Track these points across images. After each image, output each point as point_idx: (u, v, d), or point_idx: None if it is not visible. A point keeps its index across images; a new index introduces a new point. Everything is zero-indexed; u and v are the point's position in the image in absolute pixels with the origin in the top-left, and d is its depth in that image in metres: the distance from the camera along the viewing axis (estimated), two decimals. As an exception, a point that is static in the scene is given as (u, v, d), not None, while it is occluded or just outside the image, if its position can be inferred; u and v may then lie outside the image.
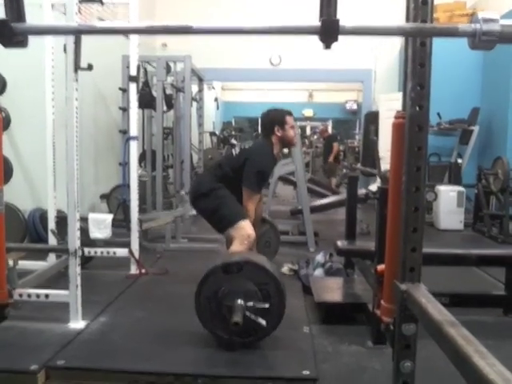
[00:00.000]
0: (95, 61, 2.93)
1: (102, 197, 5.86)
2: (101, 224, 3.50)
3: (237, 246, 2.82)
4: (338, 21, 1.04)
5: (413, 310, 1.29)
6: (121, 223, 4.25)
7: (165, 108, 5.52)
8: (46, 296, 2.53)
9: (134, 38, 3.56)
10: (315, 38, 1.07)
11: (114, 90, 5.77)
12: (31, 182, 4.48)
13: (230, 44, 7.63)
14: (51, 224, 3.39)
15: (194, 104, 6.24)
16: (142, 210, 3.91)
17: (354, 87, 13.13)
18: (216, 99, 10.81)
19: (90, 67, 2.77)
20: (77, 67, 2.48)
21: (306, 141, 14.26)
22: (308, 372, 2.04)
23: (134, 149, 3.56)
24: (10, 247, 2.65)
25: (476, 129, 6.54)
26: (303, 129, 16.02)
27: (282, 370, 2.10)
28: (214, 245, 4.23)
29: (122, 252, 3.53)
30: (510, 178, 5.13)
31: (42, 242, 3.99)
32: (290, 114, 3.15)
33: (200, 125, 6.39)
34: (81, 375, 2.06)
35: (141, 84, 4.75)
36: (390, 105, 6.79)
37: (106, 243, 3.63)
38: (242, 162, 2.96)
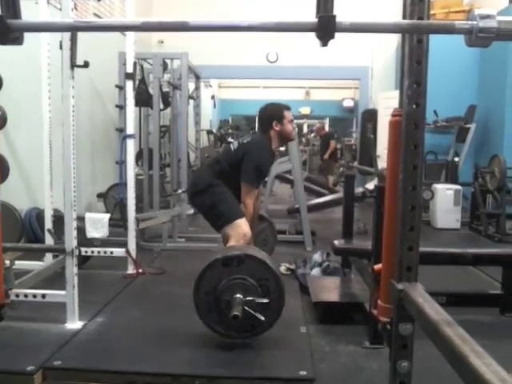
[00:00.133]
0: (91, 58, 2.91)
1: (99, 196, 5.84)
2: (98, 223, 3.48)
3: (232, 244, 2.80)
4: (334, 17, 1.03)
5: (410, 309, 1.29)
6: (118, 222, 4.24)
7: (161, 106, 5.50)
8: (43, 296, 2.52)
9: (130, 34, 3.54)
10: (312, 35, 1.06)
11: (111, 88, 5.75)
12: (27, 181, 4.46)
13: (227, 41, 7.58)
14: (48, 223, 3.37)
15: (191, 102, 6.23)
16: (138, 209, 3.90)
17: (350, 85, 13.14)
18: (213, 97, 10.79)
19: (86, 64, 2.75)
20: (73, 64, 2.47)
21: (303, 139, 14.23)
22: (305, 372, 2.04)
23: (131, 147, 3.54)
24: (7, 247, 2.64)
25: (473, 126, 6.54)
26: (300, 127, 16.00)
27: (279, 371, 2.09)
28: (211, 244, 4.22)
29: (119, 252, 3.52)
30: (507, 177, 5.13)
31: (38, 242, 3.97)
32: (288, 108, 3.14)
33: (197, 123, 6.39)
34: (78, 376, 2.05)
35: (137, 81, 4.74)
36: (388, 103, 6.79)
37: (102, 243, 3.62)
38: (241, 156, 2.94)
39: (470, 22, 1.04)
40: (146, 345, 2.32)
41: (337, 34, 1.04)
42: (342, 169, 9.08)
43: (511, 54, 5.95)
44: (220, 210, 2.86)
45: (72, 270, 2.51)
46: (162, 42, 8.18)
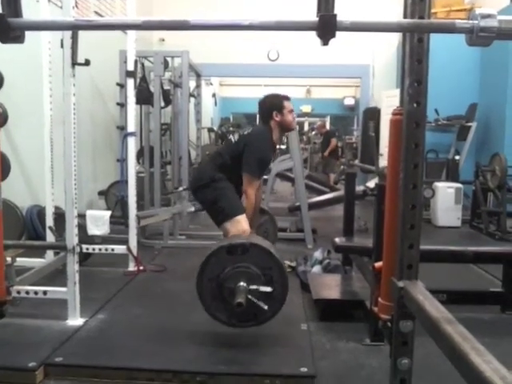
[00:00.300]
0: (92, 56, 2.91)
1: (100, 193, 5.84)
2: (99, 221, 3.49)
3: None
4: (335, 16, 1.03)
5: (410, 307, 1.29)
6: (119, 220, 4.24)
7: (162, 104, 5.51)
8: (44, 293, 2.53)
9: (131, 32, 3.54)
10: (313, 34, 1.07)
11: (112, 86, 5.76)
12: (29, 179, 4.47)
13: (228, 39, 7.61)
14: (49, 221, 3.38)
15: (192, 100, 6.23)
16: (139, 207, 3.90)
17: (351, 83, 13.10)
18: (214, 95, 10.77)
19: (87, 62, 2.75)
20: (74, 62, 2.47)
21: (304, 137, 14.22)
22: (306, 369, 2.04)
23: (132, 145, 3.55)
24: (8, 244, 2.65)
25: (474, 125, 6.54)
26: (301, 125, 15.98)
27: (279, 368, 2.10)
28: (211, 242, 4.21)
29: (120, 249, 3.53)
30: (508, 175, 5.13)
31: (39, 239, 3.98)
32: (287, 98, 3.13)
33: (198, 121, 6.38)
34: (79, 372, 2.06)
35: (138, 79, 4.74)
36: (391, 101, 6.78)
37: (104, 240, 3.63)
38: (242, 148, 2.94)
39: (470, 22, 1.04)
40: (147, 341, 2.33)
41: (338, 33, 1.04)
42: (342, 167, 9.08)
43: (512, 53, 5.95)
44: (221, 206, 2.86)
45: (73, 267, 2.51)
46: (163, 40, 8.18)
